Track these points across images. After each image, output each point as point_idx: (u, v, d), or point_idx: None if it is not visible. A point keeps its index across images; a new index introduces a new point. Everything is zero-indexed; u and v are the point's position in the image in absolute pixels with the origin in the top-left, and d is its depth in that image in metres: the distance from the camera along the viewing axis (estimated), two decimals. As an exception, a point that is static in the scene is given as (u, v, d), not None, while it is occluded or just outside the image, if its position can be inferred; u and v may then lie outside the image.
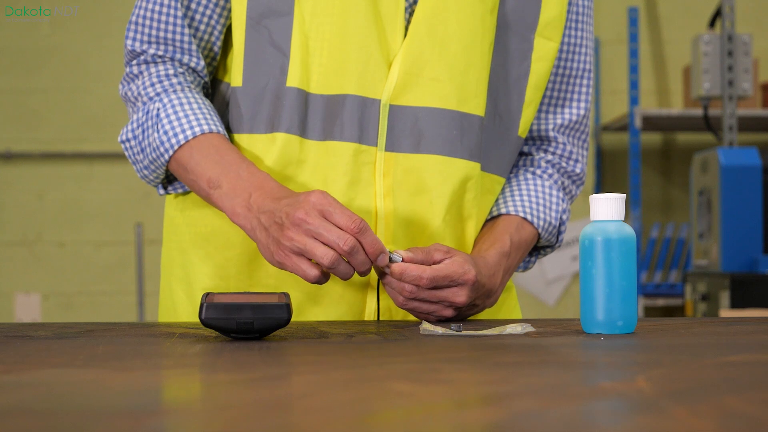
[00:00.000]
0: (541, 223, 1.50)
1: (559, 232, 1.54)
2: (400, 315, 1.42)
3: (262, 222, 1.32)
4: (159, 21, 1.45)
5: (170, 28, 1.45)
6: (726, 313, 3.30)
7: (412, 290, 1.31)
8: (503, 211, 1.49)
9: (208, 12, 1.46)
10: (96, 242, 4.56)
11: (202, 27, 1.46)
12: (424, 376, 0.90)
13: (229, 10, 1.46)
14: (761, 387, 0.84)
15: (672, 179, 4.71)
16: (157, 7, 1.45)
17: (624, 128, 4.56)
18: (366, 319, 1.42)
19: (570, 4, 1.51)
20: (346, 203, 1.39)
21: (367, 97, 1.39)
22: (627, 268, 1.20)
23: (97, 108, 4.51)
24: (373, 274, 1.39)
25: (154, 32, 1.45)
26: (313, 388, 0.83)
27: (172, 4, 1.44)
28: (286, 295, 1.21)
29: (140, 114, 1.44)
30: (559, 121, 1.56)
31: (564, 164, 1.57)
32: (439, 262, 1.33)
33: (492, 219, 1.49)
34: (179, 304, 1.49)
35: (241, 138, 1.43)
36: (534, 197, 1.51)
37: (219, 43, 1.48)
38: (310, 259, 1.28)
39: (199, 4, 1.45)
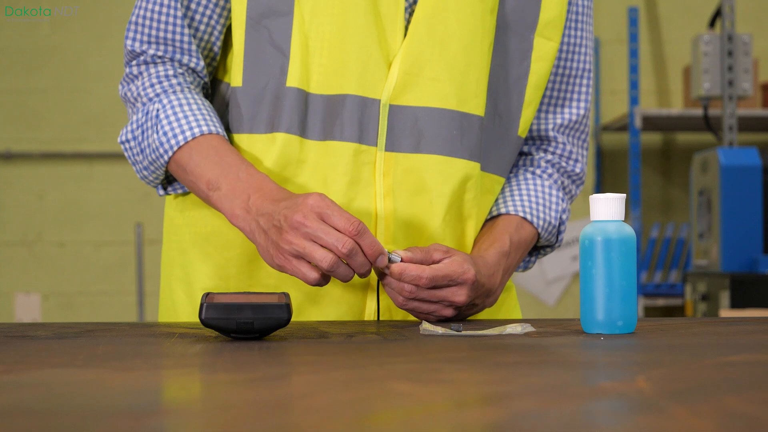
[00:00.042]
0: (541, 222, 1.50)
1: (559, 232, 1.54)
2: (400, 315, 1.42)
3: (261, 225, 1.32)
4: (159, 21, 1.45)
5: (170, 28, 1.45)
6: (726, 313, 3.30)
7: (411, 290, 1.31)
8: (503, 210, 1.49)
9: (208, 12, 1.46)
10: (96, 242, 4.56)
11: (202, 27, 1.46)
12: (424, 376, 0.90)
13: (229, 10, 1.46)
14: (761, 387, 0.84)
15: (672, 179, 4.71)
16: (156, 8, 1.45)
17: (624, 128, 4.56)
18: (366, 319, 1.42)
19: (570, 3, 1.51)
20: (346, 203, 1.39)
21: (366, 97, 1.39)
22: (627, 268, 1.20)
23: (97, 108, 4.51)
24: (373, 275, 1.39)
25: (153, 32, 1.45)
26: (313, 388, 0.83)
27: (172, 4, 1.44)
28: (286, 295, 1.21)
29: (140, 115, 1.44)
30: (558, 121, 1.56)
31: (564, 164, 1.57)
32: (438, 262, 1.33)
33: (491, 219, 1.49)
34: (179, 304, 1.49)
35: (241, 138, 1.43)
36: (534, 197, 1.51)
37: (219, 43, 1.48)
38: (310, 262, 1.29)
39: (199, 4, 1.45)
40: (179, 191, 1.48)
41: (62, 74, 4.52)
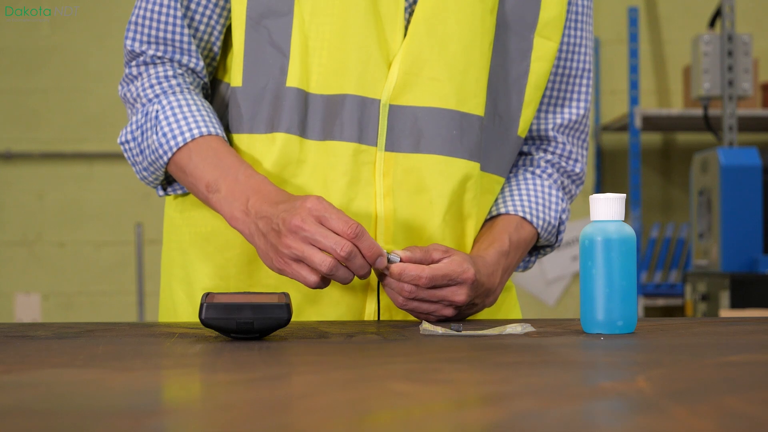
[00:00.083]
0: (541, 222, 1.50)
1: (559, 232, 1.54)
2: (400, 315, 1.42)
3: (260, 228, 1.32)
4: (159, 21, 1.45)
5: (170, 28, 1.45)
6: (726, 313, 3.30)
7: (411, 290, 1.31)
8: (502, 210, 1.49)
9: (208, 12, 1.46)
10: (96, 242, 4.56)
11: (202, 27, 1.46)
12: (424, 376, 0.90)
13: (229, 11, 1.46)
14: (761, 387, 0.84)
15: (672, 179, 4.71)
16: (156, 8, 1.45)
17: (624, 128, 4.56)
18: (366, 319, 1.42)
19: (569, 3, 1.51)
20: (345, 203, 1.39)
21: (366, 97, 1.39)
22: (627, 268, 1.20)
23: (97, 108, 4.51)
24: (373, 276, 1.39)
25: (153, 32, 1.45)
26: (313, 388, 0.83)
27: (172, 4, 1.44)
28: (286, 295, 1.21)
29: (139, 116, 1.44)
30: (558, 121, 1.56)
31: (564, 164, 1.57)
32: (437, 262, 1.33)
33: (491, 219, 1.49)
34: (179, 304, 1.49)
35: (240, 138, 1.43)
36: (533, 197, 1.51)
37: (219, 44, 1.48)
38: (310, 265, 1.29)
39: (198, 4, 1.45)
40: (179, 192, 1.48)
41: (62, 74, 4.52)
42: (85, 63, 4.52)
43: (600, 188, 4.64)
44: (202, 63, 1.47)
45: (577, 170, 1.58)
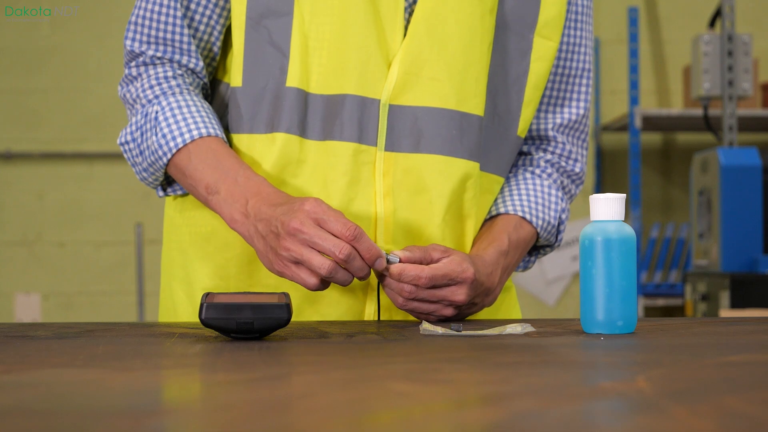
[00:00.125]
0: (540, 222, 1.50)
1: (558, 232, 1.54)
2: (400, 315, 1.42)
3: (260, 230, 1.32)
4: (158, 21, 1.45)
5: (170, 28, 1.45)
6: (726, 313, 3.30)
7: (411, 290, 1.31)
8: (502, 210, 1.49)
9: (208, 12, 1.46)
10: (96, 242, 4.56)
11: (202, 27, 1.46)
12: (424, 376, 0.90)
13: (229, 11, 1.46)
14: (761, 387, 0.84)
15: (672, 179, 4.71)
16: (156, 8, 1.45)
17: (624, 128, 4.56)
18: (366, 319, 1.42)
19: (569, 3, 1.51)
20: (345, 203, 1.39)
21: (366, 97, 1.39)
22: (627, 268, 1.20)
23: (97, 108, 4.51)
24: (373, 276, 1.39)
25: (153, 32, 1.45)
26: (313, 388, 0.83)
27: (172, 4, 1.44)
28: (286, 295, 1.21)
29: (139, 117, 1.44)
30: (558, 121, 1.56)
31: (563, 164, 1.57)
32: (437, 261, 1.33)
33: (490, 218, 1.49)
34: (179, 304, 1.49)
35: (241, 138, 1.43)
36: (533, 196, 1.51)
37: (219, 44, 1.48)
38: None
39: (198, 4, 1.45)
40: (179, 192, 1.48)
41: (62, 74, 4.52)
42: (85, 63, 4.52)
43: (600, 188, 4.64)
44: (201, 63, 1.47)
45: (577, 170, 1.58)
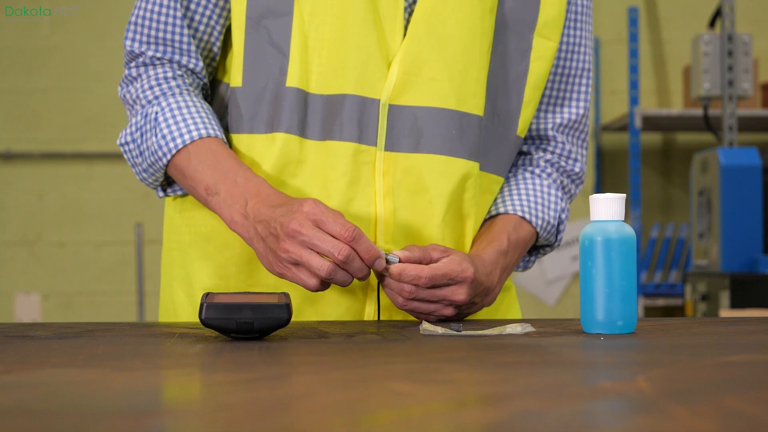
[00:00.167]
0: (540, 222, 1.50)
1: (558, 231, 1.54)
2: (400, 315, 1.42)
3: (259, 232, 1.32)
4: (158, 21, 1.45)
5: (169, 28, 1.45)
6: (726, 313, 3.30)
7: (411, 290, 1.31)
8: (501, 210, 1.49)
9: (208, 12, 1.46)
10: (96, 242, 4.56)
11: (202, 27, 1.46)
12: (424, 376, 0.90)
13: (229, 11, 1.46)
14: (761, 387, 0.84)
15: (672, 179, 4.71)
16: (156, 8, 1.45)
17: (624, 128, 4.56)
18: (366, 319, 1.42)
19: (569, 3, 1.51)
20: (345, 203, 1.39)
21: (366, 97, 1.39)
22: (627, 268, 1.20)
23: (97, 108, 4.51)
24: (373, 276, 1.39)
25: (153, 33, 1.45)
26: (313, 388, 0.83)
27: (172, 4, 1.44)
28: (286, 295, 1.21)
29: (138, 117, 1.44)
30: (558, 121, 1.56)
31: (563, 163, 1.57)
32: (436, 261, 1.33)
33: (490, 218, 1.49)
34: (179, 304, 1.49)
35: (240, 138, 1.43)
36: (532, 196, 1.51)
37: (218, 44, 1.48)
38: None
39: (198, 4, 1.45)
40: (179, 193, 1.48)
41: (62, 74, 4.52)
42: (85, 63, 4.52)
43: (600, 188, 4.64)
44: (201, 64, 1.47)
45: (577, 170, 1.58)
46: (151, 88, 1.45)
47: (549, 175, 1.56)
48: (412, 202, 1.40)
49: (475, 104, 1.43)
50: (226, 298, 1.17)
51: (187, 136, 1.39)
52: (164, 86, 1.45)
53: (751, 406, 0.74)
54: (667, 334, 1.22)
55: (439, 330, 1.21)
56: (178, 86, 1.45)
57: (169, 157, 1.40)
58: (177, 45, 1.45)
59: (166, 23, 1.45)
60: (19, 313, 4.54)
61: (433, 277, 1.31)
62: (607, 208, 1.21)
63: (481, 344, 1.11)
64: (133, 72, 1.46)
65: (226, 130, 1.46)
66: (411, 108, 1.40)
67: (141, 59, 1.46)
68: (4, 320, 4.51)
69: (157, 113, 1.42)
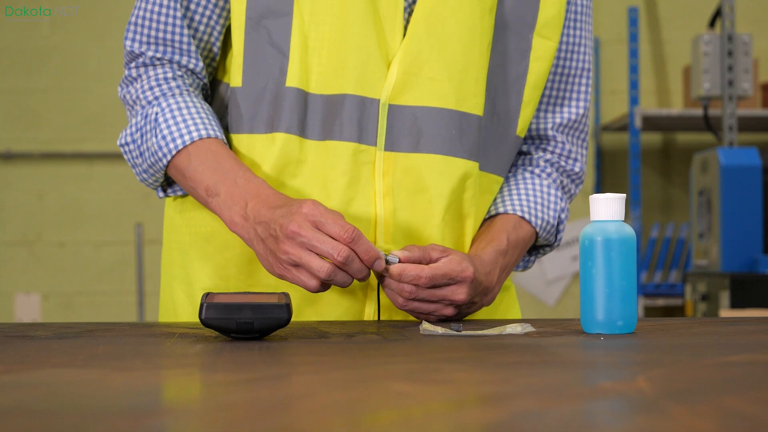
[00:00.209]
0: (539, 222, 1.50)
1: (558, 231, 1.54)
2: (400, 316, 1.42)
3: (259, 233, 1.32)
4: (158, 22, 1.45)
5: (169, 29, 1.45)
6: (726, 313, 3.30)
7: (411, 290, 1.31)
8: (501, 210, 1.49)
9: (208, 12, 1.46)
10: (96, 242, 4.56)
11: (202, 27, 1.46)
12: (424, 376, 0.90)
13: (229, 11, 1.46)
14: (761, 387, 0.84)
15: (672, 179, 4.71)
16: (156, 8, 1.45)
17: (624, 128, 4.56)
18: (366, 319, 1.42)
19: (569, 3, 1.51)
20: (345, 203, 1.39)
21: (366, 97, 1.39)
22: (627, 268, 1.20)
23: (97, 108, 4.52)
24: (373, 277, 1.39)
25: (153, 33, 1.45)
26: (313, 388, 0.83)
27: (172, 4, 1.44)
28: (286, 295, 1.21)
29: (139, 118, 1.44)
30: (558, 120, 1.56)
31: (563, 163, 1.57)
32: (436, 261, 1.33)
33: (490, 218, 1.49)
34: (179, 304, 1.49)
35: (240, 138, 1.43)
36: (532, 196, 1.51)
37: (218, 44, 1.48)
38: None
39: (198, 4, 1.45)
40: (179, 193, 1.48)
41: (62, 74, 4.52)
42: (85, 63, 4.52)
43: (600, 188, 4.64)
44: (201, 64, 1.47)
45: (577, 169, 1.58)
46: (151, 88, 1.45)
47: (549, 175, 1.56)
48: (412, 201, 1.40)
49: (474, 104, 1.43)
50: (226, 298, 1.17)
51: (187, 137, 1.39)
52: (164, 87, 1.45)
53: (751, 406, 0.74)
54: (667, 334, 1.22)
55: (439, 330, 1.21)
56: (178, 87, 1.45)
57: (169, 157, 1.40)
58: (177, 45, 1.45)
59: (166, 23, 1.45)
60: (19, 313, 4.54)
61: (433, 277, 1.31)
62: (607, 208, 1.21)
63: (481, 344, 1.11)
64: (133, 72, 1.46)
65: (226, 130, 1.46)
66: (411, 108, 1.40)
67: (141, 59, 1.46)
68: (4, 320, 4.51)
69: (157, 114, 1.42)
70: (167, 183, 1.48)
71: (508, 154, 1.50)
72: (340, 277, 1.28)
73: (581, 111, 1.56)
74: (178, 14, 1.45)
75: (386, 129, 1.40)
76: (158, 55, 1.45)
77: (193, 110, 1.42)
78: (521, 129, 1.50)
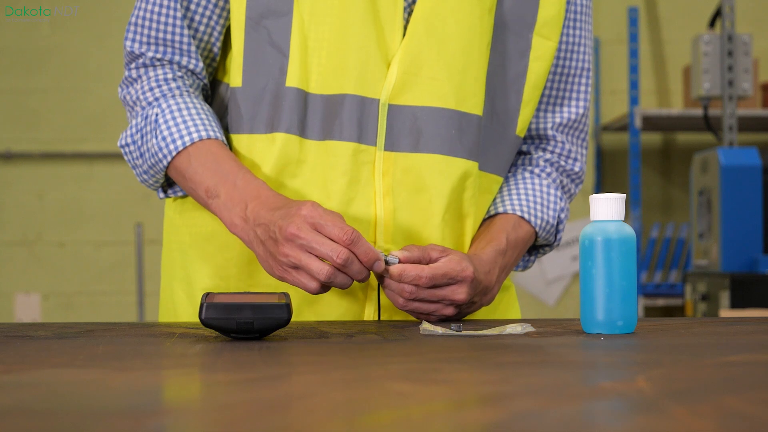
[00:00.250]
0: (539, 221, 1.50)
1: (558, 231, 1.54)
2: (400, 316, 1.42)
3: (259, 235, 1.32)
4: (158, 22, 1.45)
5: (169, 29, 1.45)
6: (726, 313, 3.30)
7: (411, 291, 1.31)
8: (500, 210, 1.49)
9: (208, 13, 1.46)
10: (96, 242, 4.56)
11: (202, 28, 1.46)
12: (424, 376, 0.90)
13: (229, 11, 1.46)
14: (761, 387, 0.84)
15: (672, 179, 4.71)
16: (156, 8, 1.45)
17: (624, 128, 4.56)
18: (366, 319, 1.42)
19: (568, 2, 1.51)
20: (345, 203, 1.39)
21: (366, 97, 1.39)
22: (627, 268, 1.20)
23: (97, 108, 4.52)
24: (373, 277, 1.39)
25: (153, 33, 1.45)
26: (313, 388, 0.83)
27: (172, 5, 1.44)
28: (286, 295, 1.21)
29: (139, 119, 1.44)
30: (557, 120, 1.56)
31: (563, 163, 1.57)
32: (435, 261, 1.33)
33: (489, 218, 1.50)
34: (179, 305, 1.49)
35: (240, 138, 1.43)
36: (531, 196, 1.51)
37: (218, 44, 1.48)
38: None
39: (198, 5, 1.45)
40: (179, 194, 1.48)
41: (62, 74, 4.52)
42: (85, 63, 4.52)
43: (600, 188, 4.64)
44: (201, 64, 1.47)
45: (577, 169, 1.58)
46: (151, 89, 1.45)
47: (548, 174, 1.56)
48: (412, 201, 1.40)
49: (474, 104, 1.43)
50: (226, 298, 1.17)
51: (187, 138, 1.39)
52: (164, 88, 1.45)
53: (751, 406, 0.74)
54: (667, 334, 1.22)
55: (439, 330, 1.21)
56: (178, 87, 1.45)
57: (169, 159, 1.40)
58: (177, 46, 1.45)
59: (166, 24, 1.45)
60: (19, 313, 4.54)
61: (433, 277, 1.31)
62: (607, 208, 1.21)
63: (481, 344, 1.11)
64: (134, 73, 1.46)
65: (226, 130, 1.46)
66: (410, 108, 1.40)
67: (141, 60, 1.46)
68: (4, 320, 4.51)
69: (157, 115, 1.42)
70: (168, 184, 1.48)
71: (507, 153, 1.50)
72: (340, 279, 1.28)
73: (581, 111, 1.56)
74: (178, 14, 1.45)
75: (386, 129, 1.40)
76: (158, 55, 1.45)
77: (193, 111, 1.42)
78: (521, 129, 1.50)
